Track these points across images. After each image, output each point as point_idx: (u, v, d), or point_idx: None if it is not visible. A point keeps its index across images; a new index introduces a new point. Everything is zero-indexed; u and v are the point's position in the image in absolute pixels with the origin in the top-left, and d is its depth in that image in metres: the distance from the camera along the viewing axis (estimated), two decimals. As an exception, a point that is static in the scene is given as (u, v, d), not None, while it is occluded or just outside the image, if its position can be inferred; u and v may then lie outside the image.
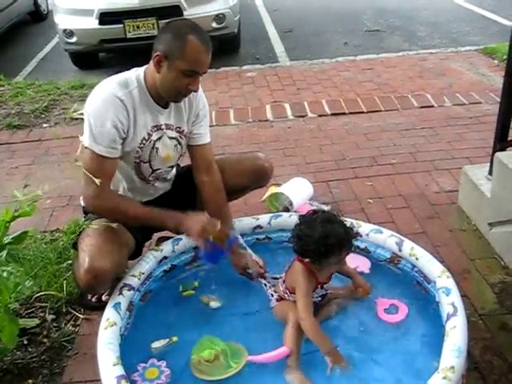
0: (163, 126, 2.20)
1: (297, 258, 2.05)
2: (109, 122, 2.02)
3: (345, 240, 1.93)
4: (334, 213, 2.06)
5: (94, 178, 2.03)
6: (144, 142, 2.16)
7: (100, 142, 2.03)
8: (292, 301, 2.07)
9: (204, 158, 2.33)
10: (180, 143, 2.29)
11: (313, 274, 2.00)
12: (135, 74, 2.13)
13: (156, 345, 2.00)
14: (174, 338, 2.02)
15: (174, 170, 2.45)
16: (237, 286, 2.30)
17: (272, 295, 2.16)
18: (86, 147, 2.07)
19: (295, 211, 2.83)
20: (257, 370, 1.90)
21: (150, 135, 2.17)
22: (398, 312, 2.08)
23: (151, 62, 2.08)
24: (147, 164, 2.22)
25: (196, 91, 2.13)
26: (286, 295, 2.11)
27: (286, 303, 2.10)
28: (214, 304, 2.18)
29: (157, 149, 2.21)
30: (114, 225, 2.16)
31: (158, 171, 2.29)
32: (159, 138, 2.20)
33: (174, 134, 2.25)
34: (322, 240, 1.89)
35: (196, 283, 2.26)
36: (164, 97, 2.14)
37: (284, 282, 2.11)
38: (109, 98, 2.03)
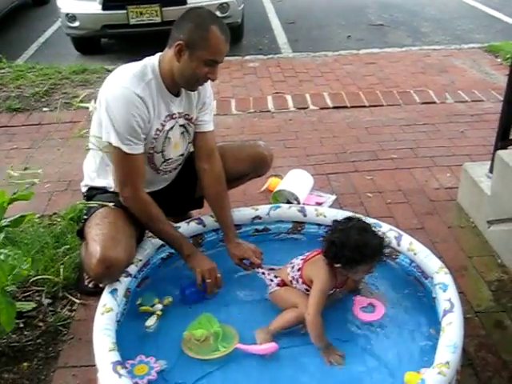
0: (176, 115, 2.20)
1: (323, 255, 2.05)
2: (133, 121, 2.02)
3: (379, 251, 1.98)
4: (367, 222, 2.08)
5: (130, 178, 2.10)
6: (158, 132, 2.16)
7: (128, 143, 2.04)
8: (299, 290, 2.07)
9: (206, 146, 2.32)
10: (187, 130, 2.29)
11: (335, 276, 2.02)
12: (150, 64, 2.11)
13: (149, 323, 2.02)
14: (164, 302, 2.07)
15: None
16: (231, 275, 2.30)
17: (272, 280, 2.16)
18: (113, 146, 2.05)
19: (303, 203, 2.84)
20: (243, 358, 1.93)
21: (163, 126, 2.16)
22: (374, 311, 2.07)
23: (167, 50, 2.08)
24: (160, 154, 2.23)
25: (215, 80, 2.14)
26: (293, 282, 2.10)
27: (294, 293, 2.09)
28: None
29: (169, 138, 2.22)
30: (122, 212, 2.16)
31: (170, 160, 2.29)
32: (171, 128, 2.20)
33: (183, 121, 2.25)
34: (357, 248, 1.92)
35: (156, 300, 2.12)
36: (181, 85, 2.14)
37: (300, 269, 2.09)
38: (129, 98, 2.02)
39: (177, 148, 2.28)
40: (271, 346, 1.92)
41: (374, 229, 2.03)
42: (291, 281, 2.11)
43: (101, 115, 2.07)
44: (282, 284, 2.14)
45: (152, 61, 2.13)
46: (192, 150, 2.39)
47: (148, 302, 2.12)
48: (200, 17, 2.05)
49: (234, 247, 2.27)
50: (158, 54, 2.15)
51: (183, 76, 2.08)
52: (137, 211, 2.15)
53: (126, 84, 2.04)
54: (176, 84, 2.13)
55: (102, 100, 2.06)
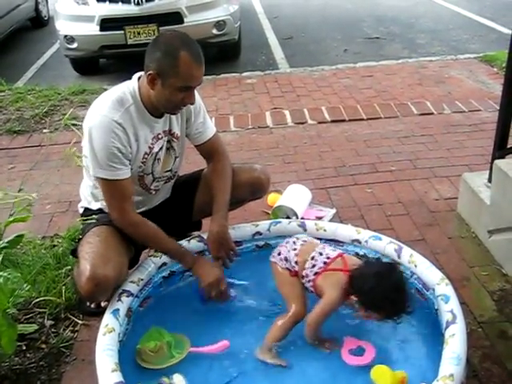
0: (161, 135, 2.21)
1: (346, 272, 2.03)
2: (113, 147, 2.03)
3: (400, 313, 1.95)
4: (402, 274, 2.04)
5: (116, 202, 2.12)
6: (146, 156, 2.18)
7: (110, 169, 2.05)
8: (302, 289, 2.07)
9: (210, 151, 2.39)
10: (172, 146, 2.30)
11: (347, 296, 2.00)
12: (129, 90, 2.11)
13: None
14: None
15: (172, 179, 2.45)
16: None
17: (287, 258, 2.11)
18: (97, 177, 2.10)
19: (302, 218, 2.84)
20: (198, 360, 1.99)
21: (151, 148, 2.18)
22: (363, 354, 1.96)
23: (144, 76, 2.07)
24: (150, 175, 2.25)
25: (192, 104, 2.15)
26: (304, 278, 2.06)
27: (296, 291, 2.06)
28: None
29: (158, 160, 2.24)
30: (115, 231, 2.16)
31: (159, 178, 2.31)
32: (161, 148, 2.23)
33: (167, 137, 2.26)
34: (383, 301, 1.91)
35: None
36: (162, 110, 2.15)
37: (316, 274, 2.04)
38: (108, 125, 2.03)
39: (164, 165, 2.29)
40: (222, 344, 1.99)
41: (407, 288, 1.99)
42: (303, 276, 2.07)
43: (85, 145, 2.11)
44: (294, 274, 2.09)
45: (132, 85, 2.12)
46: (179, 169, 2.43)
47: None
48: (169, 43, 2.01)
49: (213, 237, 2.25)
50: (137, 76, 2.14)
51: (160, 103, 2.09)
52: (129, 233, 2.18)
53: (104, 112, 2.05)
54: (157, 109, 2.13)
55: (85, 130, 2.09)
